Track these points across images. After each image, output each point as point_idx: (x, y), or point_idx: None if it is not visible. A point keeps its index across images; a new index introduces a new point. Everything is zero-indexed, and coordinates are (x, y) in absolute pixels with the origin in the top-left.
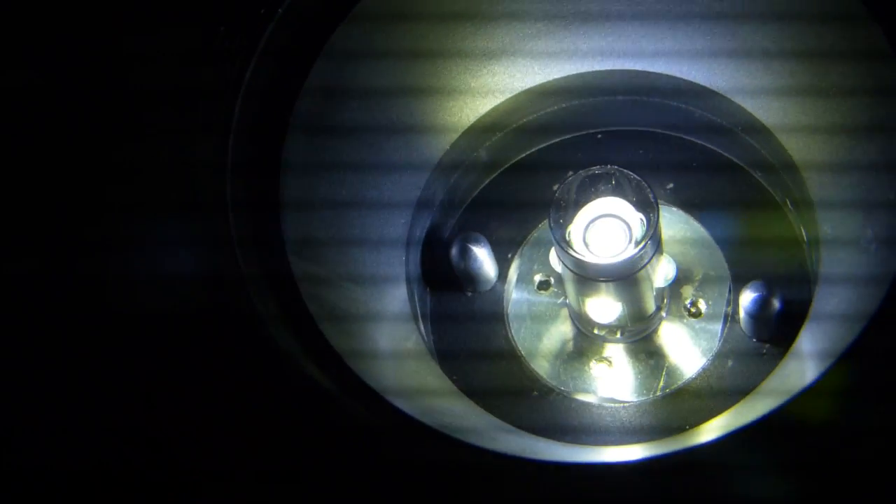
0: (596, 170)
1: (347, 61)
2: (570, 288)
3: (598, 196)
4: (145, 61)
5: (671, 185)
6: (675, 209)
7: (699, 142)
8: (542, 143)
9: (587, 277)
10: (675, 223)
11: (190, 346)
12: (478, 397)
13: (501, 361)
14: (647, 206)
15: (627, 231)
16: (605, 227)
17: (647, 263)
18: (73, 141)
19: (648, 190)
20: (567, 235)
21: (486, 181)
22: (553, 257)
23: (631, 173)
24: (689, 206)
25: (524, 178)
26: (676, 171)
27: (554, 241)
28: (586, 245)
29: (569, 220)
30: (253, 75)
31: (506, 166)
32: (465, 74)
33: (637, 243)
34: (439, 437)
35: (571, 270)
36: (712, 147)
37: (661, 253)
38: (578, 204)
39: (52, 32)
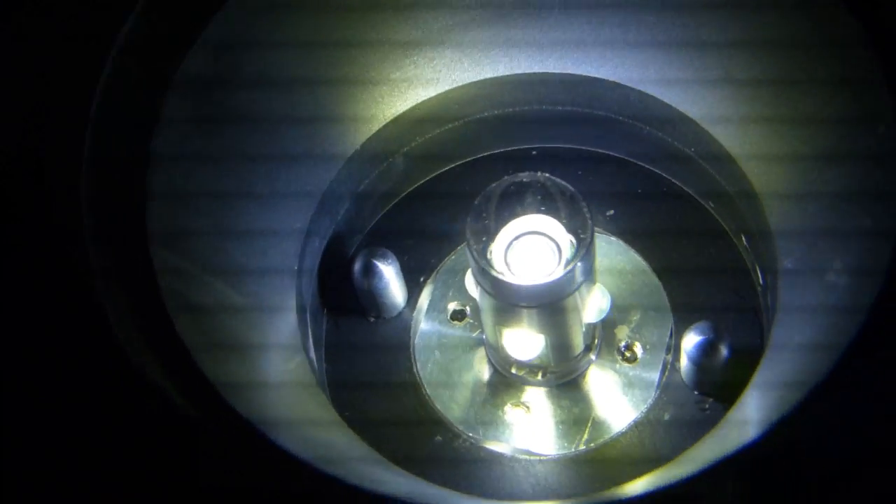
0: (524, 177)
1: (229, 50)
2: (487, 317)
3: (524, 209)
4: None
5: (611, 212)
6: (613, 238)
7: (647, 166)
8: (469, 156)
9: (506, 303)
10: (612, 254)
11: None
12: (371, 436)
13: (403, 398)
14: (580, 223)
15: (556, 252)
16: (530, 245)
17: (575, 290)
18: None
19: (583, 204)
20: (487, 252)
21: (403, 194)
22: (469, 280)
23: (564, 184)
24: (630, 235)
25: (444, 192)
26: (618, 196)
27: (469, 256)
28: (507, 266)
29: (489, 234)
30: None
31: (424, 179)
32: (384, 64)
33: (567, 264)
34: (312, 473)
35: (489, 293)
36: (661, 172)
37: (594, 283)
38: (502, 216)
39: None
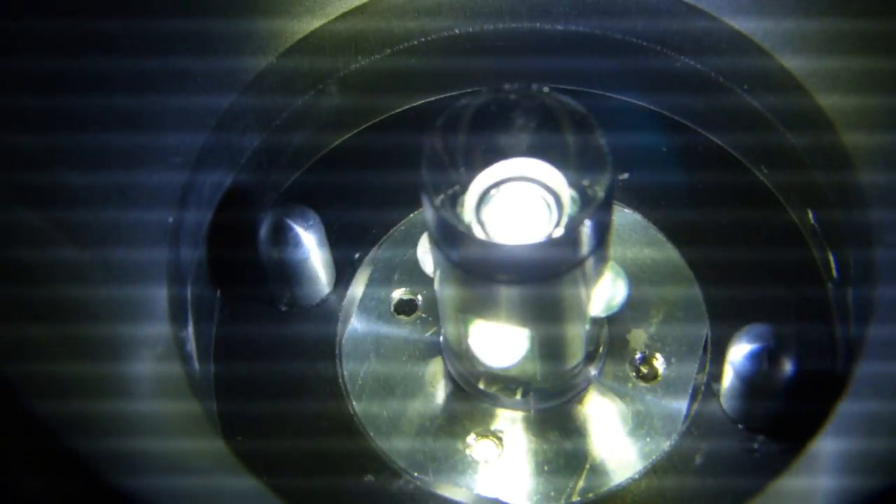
0: (509, 90)
1: None
2: (448, 303)
3: (510, 140)
4: None
5: (626, 175)
6: (628, 211)
7: (674, 115)
8: (433, 93)
9: (479, 278)
10: (627, 231)
11: None
12: (273, 473)
13: (322, 420)
14: (592, 163)
15: (555, 208)
16: (513, 197)
17: (579, 264)
18: None
19: (599, 133)
20: (455, 204)
21: (337, 141)
22: (423, 250)
23: (571, 101)
24: (652, 207)
25: (393, 139)
26: (636, 155)
27: (427, 208)
28: (482, 226)
29: (456, 174)
30: None
31: (366, 122)
32: None
33: (572, 220)
34: None
35: (453, 264)
36: (695, 126)
37: (606, 261)
38: (475, 149)
39: None
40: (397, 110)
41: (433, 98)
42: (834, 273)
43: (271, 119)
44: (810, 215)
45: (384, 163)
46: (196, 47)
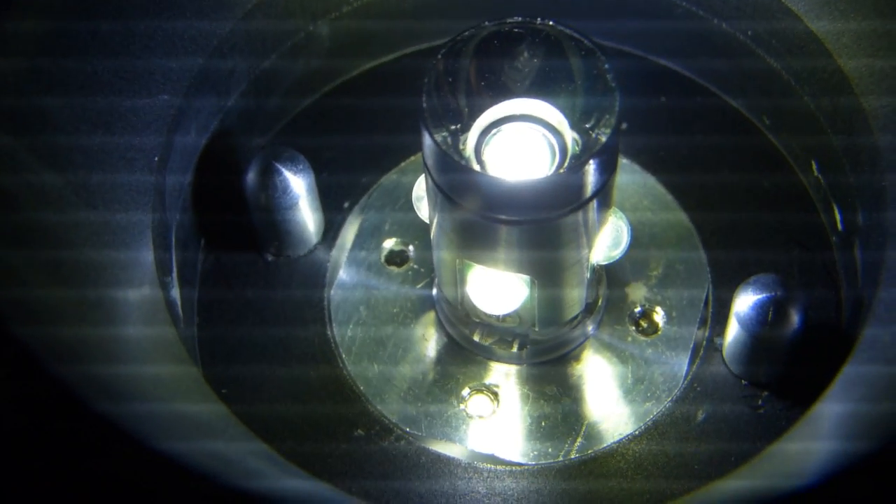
0: (512, 23)
1: None
2: (445, 246)
3: (512, 70)
4: None
5: (624, 125)
6: (626, 161)
7: (672, 64)
8: (425, 39)
9: (479, 217)
10: (625, 183)
11: None
12: (261, 426)
13: (310, 373)
14: (599, 96)
15: (557, 147)
16: (515, 137)
17: (583, 204)
18: None
19: (606, 66)
20: (458, 141)
21: (329, 85)
22: (418, 194)
23: (577, 33)
24: (650, 157)
25: (386, 83)
26: (635, 104)
27: (426, 141)
28: (482, 165)
29: (457, 110)
30: None
31: (360, 67)
32: None
33: (575, 161)
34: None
35: (451, 201)
36: (691, 74)
37: (610, 206)
38: (474, 80)
39: None
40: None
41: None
42: (840, 227)
43: (256, 65)
44: (814, 167)
45: (376, 111)
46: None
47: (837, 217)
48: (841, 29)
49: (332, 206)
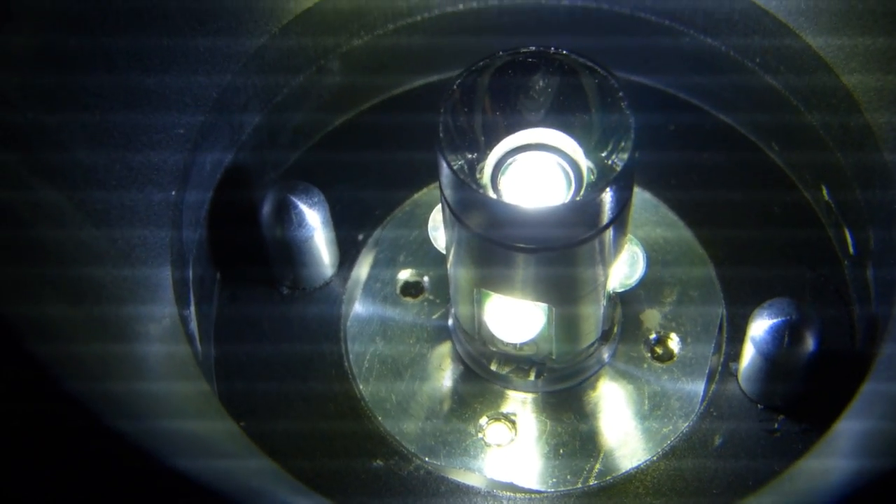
0: (526, 53)
1: None
2: (462, 279)
3: (527, 99)
4: None
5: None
6: (639, 190)
7: (685, 95)
8: (436, 70)
9: (497, 244)
10: (638, 211)
11: None
12: (280, 457)
13: (328, 403)
14: (615, 128)
15: (573, 176)
16: (531, 166)
17: (601, 231)
18: None
19: (621, 95)
20: (475, 170)
21: (339, 119)
22: (434, 225)
23: (594, 64)
24: (663, 185)
25: (396, 118)
26: (646, 133)
27: (442, 170)
28: (498, 194)
29: (473, 139)
30: None
31: (369, 102)
32: None
33: (592, 188)
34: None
35: (468, 230)
36: (707, 107)
37: (626, 234)
38: (490, 112)
39: None
40: (400, 90)
41: (435, 78)
42: (851, 250)
43: (272, 96)
44: (825, 191)
45: (388, 142)
46: (195, 24)
47: (848, 237)
48: (847, 45)
49: (347, 239)
